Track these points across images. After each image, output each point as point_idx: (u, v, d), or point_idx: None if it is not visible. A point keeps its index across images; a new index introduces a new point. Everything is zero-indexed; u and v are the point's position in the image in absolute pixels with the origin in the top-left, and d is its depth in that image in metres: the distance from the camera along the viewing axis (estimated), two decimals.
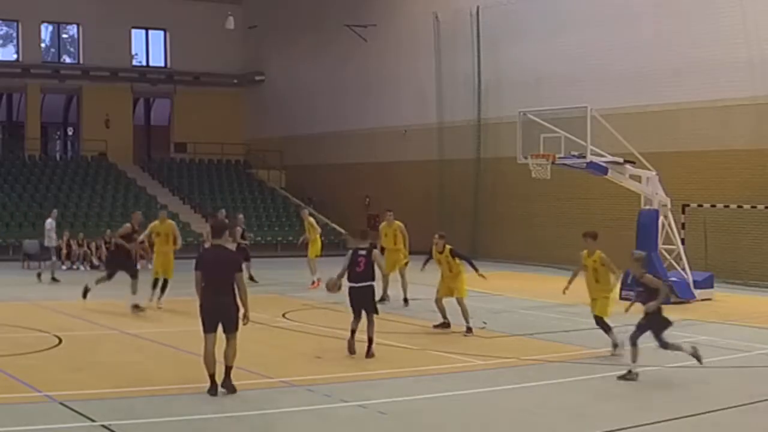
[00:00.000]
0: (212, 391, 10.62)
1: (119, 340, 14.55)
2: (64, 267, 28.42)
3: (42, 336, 14.45)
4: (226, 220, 19.23)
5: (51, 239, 25.04)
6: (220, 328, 10.78)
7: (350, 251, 13.44)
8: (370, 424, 9.72)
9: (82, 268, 28.78)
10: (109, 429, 8.95)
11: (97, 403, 10.03)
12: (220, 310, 10.70)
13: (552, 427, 9.80)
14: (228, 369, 10.75)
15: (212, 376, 10.66)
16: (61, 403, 9.87)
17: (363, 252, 13.30)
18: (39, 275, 24.40)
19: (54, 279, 24.26)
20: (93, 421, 9.21)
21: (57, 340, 14.02)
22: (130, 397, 10.38)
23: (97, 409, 9.66)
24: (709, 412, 10.24)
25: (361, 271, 13.14)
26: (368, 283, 13.21)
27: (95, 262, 28.76)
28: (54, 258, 25.30)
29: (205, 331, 10.71)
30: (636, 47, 27.86)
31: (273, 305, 17.15)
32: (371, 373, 12.22)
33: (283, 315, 17.16)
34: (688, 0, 26.78)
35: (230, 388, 10.69)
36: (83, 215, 35.03)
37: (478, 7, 32.98)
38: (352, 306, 13.32)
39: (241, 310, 10.77)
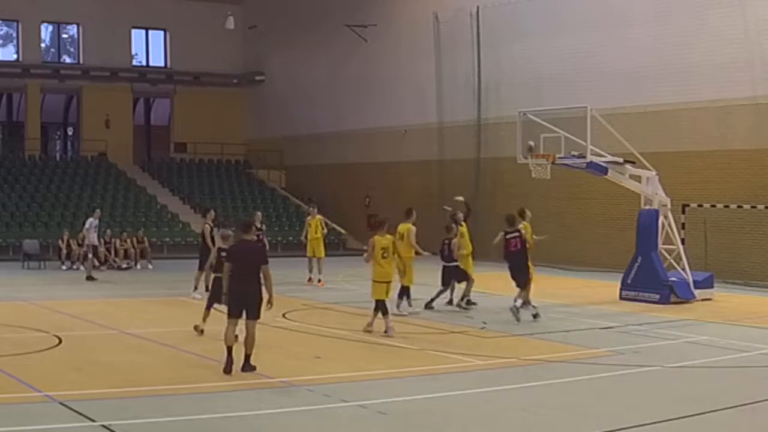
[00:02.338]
0: (228, 368, 11.48)
1: (119, 340, 14.53)
2: (64, 267, 28.43)
3: (42, 336, 14.43)
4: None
5: (91, 238, 25.32)
6: (243, 315, 11.75)
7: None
8: (370, 424, 9.71)
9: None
10: (109, 429, 8.94)
11: (97, 403, 10.02)
12: (246, 298, 11.69)
13: (552, 427, 9.79)
14: (247, 356, 11.65)
15: (230, 349, 11.55)
16: (61, 403, 9.86)
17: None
18: (88, 278, 24.61)
19: (90, 278, 24.59)
20: (93, 421, 9.20)
21: (57, 340, 13.99)
22: (130, 397, 10.37)
23: (97, 409, 9.65)
24: (709, 412, 10.23)
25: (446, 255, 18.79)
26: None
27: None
28: (90, 256, 25.50)
29: (230, 316, 11.76)
30: (636, 47, 27.83)
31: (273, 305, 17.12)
32: (371, 373, 12.21)
33: (283, 315, 17.14)
34: (688, 0, 26.77)
35: (250, 369, 11.60)
36: (83, 215, 34.94)
37: (478, 7, 32.97)
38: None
39: (266, 297, 11.73)
